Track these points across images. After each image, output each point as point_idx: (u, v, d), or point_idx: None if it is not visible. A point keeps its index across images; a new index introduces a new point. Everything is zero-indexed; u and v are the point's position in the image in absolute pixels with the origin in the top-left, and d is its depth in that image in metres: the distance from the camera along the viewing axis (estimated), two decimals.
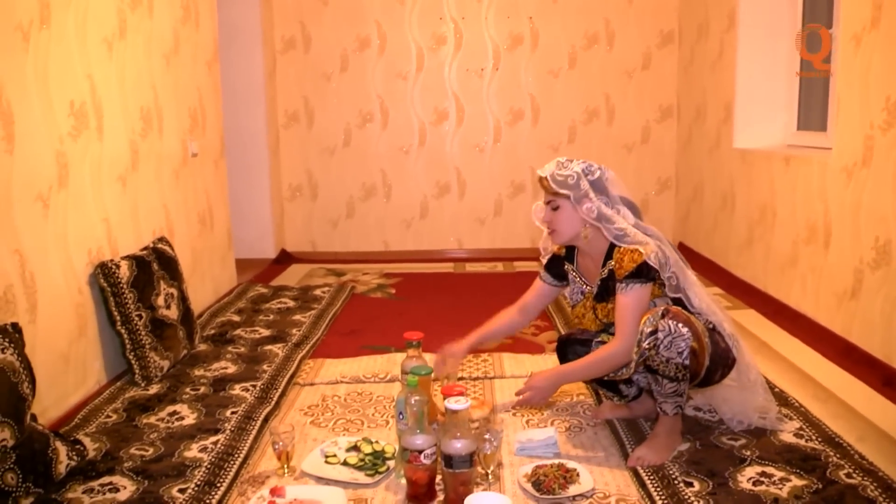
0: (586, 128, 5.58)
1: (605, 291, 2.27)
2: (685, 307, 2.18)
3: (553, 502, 1.99)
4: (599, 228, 2.20)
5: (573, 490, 2.02)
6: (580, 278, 2.37)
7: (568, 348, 2.48)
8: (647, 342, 2.09)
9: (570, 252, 2.40)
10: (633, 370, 2.21)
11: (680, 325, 2.06)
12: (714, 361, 2.16)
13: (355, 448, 2.26)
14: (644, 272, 2.14)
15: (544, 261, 2.48)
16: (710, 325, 2.21)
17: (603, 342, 2.33)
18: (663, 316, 2.08)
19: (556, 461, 2.14)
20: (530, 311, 2.55)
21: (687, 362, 2.07)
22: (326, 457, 2.22)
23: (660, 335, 2.07)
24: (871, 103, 2.97)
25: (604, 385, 2.49)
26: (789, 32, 4.20)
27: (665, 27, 5.45)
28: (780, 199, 3.85)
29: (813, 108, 4.08)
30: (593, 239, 2.25)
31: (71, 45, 2.67)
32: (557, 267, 2.44)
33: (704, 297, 2.24)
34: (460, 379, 2.89)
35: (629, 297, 2.16)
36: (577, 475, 2.08)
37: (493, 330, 2.56)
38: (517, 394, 2.28)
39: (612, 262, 2.21)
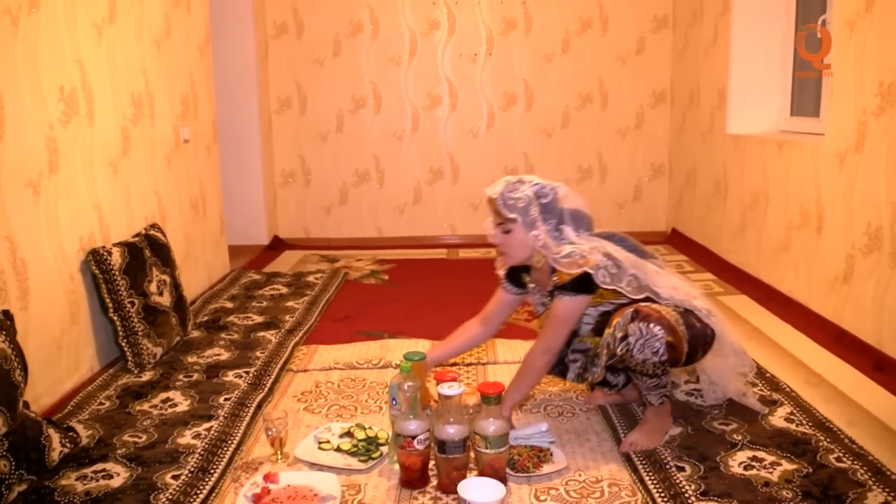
0: (580, 113, 5.57)
1: None
2: (652, 301, 2.16)
3: (528, 480, 2.02)
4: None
5: (547, 469, 2.05)
6: (538, 291, 2.35)
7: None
8: (619, 348, 2.07)
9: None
10: (599, 376, 2.22)
11: (651, 325, 2.04)
12: (693, 345, 2.13)
13: (349, 434, 2.27)
14: (578, 286, 2.12)
15: (501, 272, 2.43)
16: (682, 309, 2.17)
17: (583, 345, 2.31)
18: (633, 319, 2.06)
19: (530, 443, 2.17)
20: (493, 321, 2.47)
21: (665, 358, 2.05)
22: (320, 443, 2.23)
23: (631, 339, 2.05)
24: (864, 88, 2.97)
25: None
26: (784, 17, 4.19)
27: (659, 12, 5.43)
28: (772, 184, 3.85)
29: (806, 93, 4.07)
30: (544, 258, 2.22)
31: (60, 30, 2.64)
32: (518, 277, 2.40)
33: (671, 281, 2.20)
34: (453, 365, 2.89)
35: (556, 308, 2.16)
36: (550, 454, 2.12)
37: (456, 345, 2.47)
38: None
39: (556, 276, 2.18)
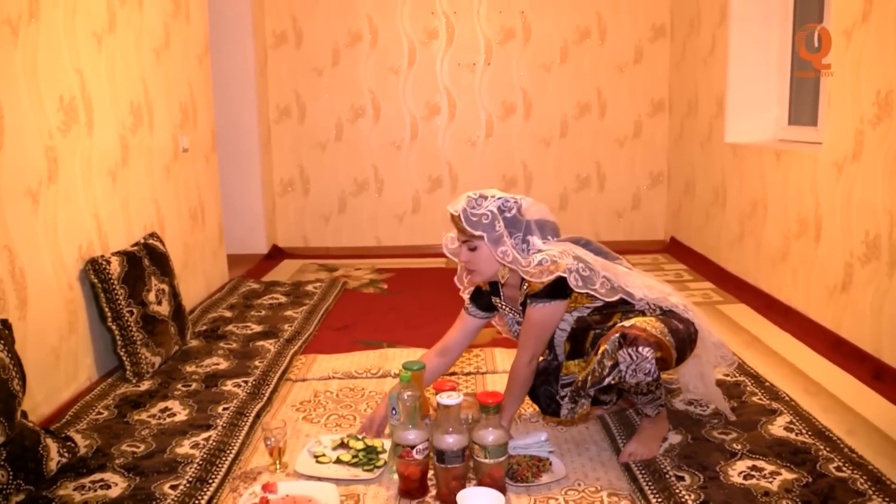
0: (578, 122, 5.58)
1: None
2: (626, 303, 2.15)
3: (527, 489, 2.02)
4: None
5: (546, 478, 2.06)
6: (510, 310, 2.32)
7: (539, 390, 2.34)
8: (611, 377, 2.02)
9: (493, 285, 2.33)
10: (587, 407, 2.18)
11: (640, 348, 1.98)
12: (681, 349, 2.10)
13: (342, 445, 2.25)
14: (552, 292, 2.09)
15: (466, 295, 2.41)
16: (661, 312, 2.15)
17: (570, 377, 2.26)
18: (621, 346, 2.00)
19: (529, 453, 2.17)
20: (452, 350, 2.41)
21: (656, 375, 2.02)
22: (316, 457, 2.20)
23: (622, 366, 2.00)
24: (861, 97, 2.98)
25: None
26: (781, 26, 4.20)
27: (657, 21, 5.45)
28: (771, 193, 3.86)
29: (804, 102, 4.09)
30: (511, 272, 2.19)
31: (60, 40, 2.65)
32: (485, 299, 2.36)
33: (643, 281, 2.18)
34: (451, 374, 2.89)
35: (532, 317, 2.13)
36: (549, 464, 2.12)
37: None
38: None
39: (526, 285, 2.15)
